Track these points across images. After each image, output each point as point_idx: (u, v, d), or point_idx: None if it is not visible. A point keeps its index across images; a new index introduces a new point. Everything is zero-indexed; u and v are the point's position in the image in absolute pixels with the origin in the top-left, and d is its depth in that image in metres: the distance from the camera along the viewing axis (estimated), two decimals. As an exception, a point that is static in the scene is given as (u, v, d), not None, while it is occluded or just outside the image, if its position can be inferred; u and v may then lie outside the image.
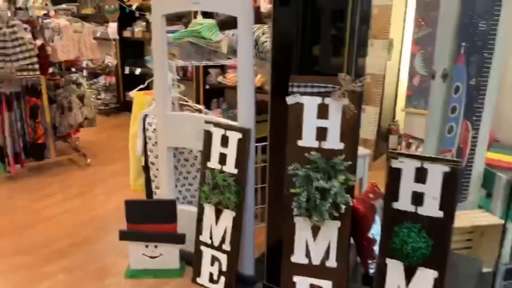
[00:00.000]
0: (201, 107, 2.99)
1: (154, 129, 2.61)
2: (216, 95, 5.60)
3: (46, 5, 6.73)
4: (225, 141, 2.26)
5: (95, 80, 6.38)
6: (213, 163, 2.30)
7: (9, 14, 3.70)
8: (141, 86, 3.26)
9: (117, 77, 6.24)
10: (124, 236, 2.48)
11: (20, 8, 4.13)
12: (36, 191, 3.66)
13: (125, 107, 6.25)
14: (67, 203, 3.46)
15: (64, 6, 6.74)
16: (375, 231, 2.11)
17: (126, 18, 5.97)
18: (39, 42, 3.68)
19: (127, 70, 6.12)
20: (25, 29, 3.61)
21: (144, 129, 2.65)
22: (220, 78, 5.36)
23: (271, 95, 2.07)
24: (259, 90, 5.26)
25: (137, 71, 6.05)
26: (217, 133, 2.29)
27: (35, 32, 3.69)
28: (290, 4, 1.91)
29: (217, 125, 2.29)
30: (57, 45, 3.75)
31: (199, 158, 2.70)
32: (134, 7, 5.80)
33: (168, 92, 2.52)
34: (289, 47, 1.94)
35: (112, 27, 5.93)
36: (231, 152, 2.25)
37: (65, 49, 3.77)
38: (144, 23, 6.01)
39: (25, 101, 3.78)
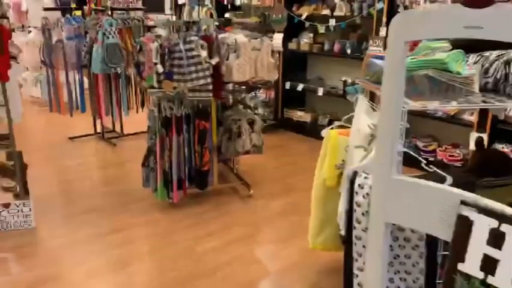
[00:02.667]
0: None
1: (367, 193, 1.92)
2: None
3: (211, 15, 6.58)
4: (497, 238, 1.46)
5: (253, 93, 6.02)
6: (471, 267, 1.51)
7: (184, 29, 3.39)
8: (337, 124, 2.62)
9: (277, 92, 5.78)
10: None
11: (192, 22, 3.82)
12: (198, 226, 3.28)
13: (283, 124, 5.77)
14: (231, 249, 2.98)
15: (227, 15, 6.57)
16: None
17: (292, 29, 5.47)
18: (214, 60, 3.28)
19: (287, 85, 5.63)
20: (201, 46, 3.24)
21: (352, 191, 1.98)
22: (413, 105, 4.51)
23: None
24: (452, 119, 4.28)
25: (299, 86, 5.51)
26: (482, 223, 1.49)
27: (211, 49, 3.30)
28: None
29: (485, 211, 1.50)
30: (233, 64, 3.31)
31: (424, 239, 1.95)
32: (304, 17, 5.26)
33: (396, 146, 1.80)
34: None
35: (278, 39, 5.45)
36: (508, 258, 1.43)
37: (240, 69, 3.32)
38: (311, 34, 5.43)
39: (194, 125, 3.43)
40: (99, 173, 4.46)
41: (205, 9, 6.58)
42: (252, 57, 3.36)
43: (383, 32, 4.41)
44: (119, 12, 5.63)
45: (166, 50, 3.17)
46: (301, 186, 4.01)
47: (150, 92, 3.49)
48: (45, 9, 5.13)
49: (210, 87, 3.30)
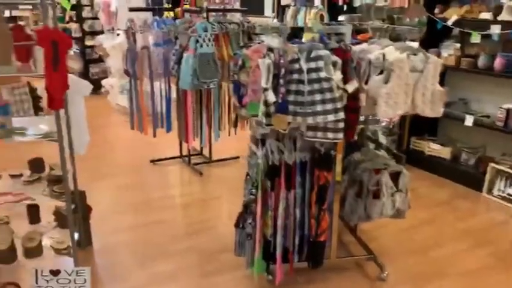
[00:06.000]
0: None
1: None
2: None
3: (322, 17, 5.49)
4: None
5: (370, 117, 4.82)
6: None
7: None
8: None
9: (403, 117, 4.52)
10: None
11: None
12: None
13: (409, 158, 4.48)
14: None
15: (341, 18, 5.44)
16: None
17: (431, 37, 4.20)
18: (351, 86, 2.20)
19: (419, 108, 4.34)
20: (333, 64, 2.17)
21: None
22: None
23: None
24: None
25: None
26: None
27: (347, 69, 2.22)
28: None
29: None
30: (380, 93, 2.19)
31: None
32: (451, 21, 3.97)
33: None
34: None
35: (411, 49, 4.22)
36: None
37: (391, 100, 2.19)
38: (458, 45, 4.11)
39: (313, 176, 2.37)
40: (181, 214, 3.58)
41: (314, 11, 5.53)
42: (410, 82, 2.22)
43: None
44: (214, 14, 4.79)
45: (283, 70, 2.14)
46: (456, 267, 2.79)
47: (253, 127, 2.50)
48: (131, 9, 4.39)
49: (341, 125, 2.22)
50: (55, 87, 2.05)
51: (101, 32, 6.53)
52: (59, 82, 2.06)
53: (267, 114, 2.19)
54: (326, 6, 5.36)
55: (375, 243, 2.95)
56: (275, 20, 6.09)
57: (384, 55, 2.25)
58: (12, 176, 2.55)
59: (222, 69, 3.80)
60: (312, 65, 2.16)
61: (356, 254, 2.86)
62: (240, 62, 2.54)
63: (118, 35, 5.59)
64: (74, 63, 2.51)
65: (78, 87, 2.44)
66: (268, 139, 2.44)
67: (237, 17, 5.34)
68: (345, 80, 2.20)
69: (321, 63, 2.15)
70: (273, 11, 6.43)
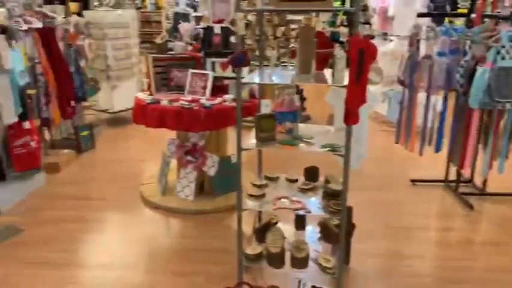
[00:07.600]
0: None
1: None
2: None
3: None
4: None
5: None
6: None
7: None
8: None
9: None
10: None
11: None
12: None
13: None
14: None
15: None
16: None
17: None
18: None
19: None
20: None
21: None
22: None
23: None
24: None
25: None
26: None
27: None
28: None
29: None
30: None
31: None
32: None
33: None
34: None
35: None
36: None
37: None
38: None
39: None
40: (444, 253, 3.07)
41: None
42: None
43: None
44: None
45: None
46: None
47: None
48: (420, 15, 4.04)
49: None
50: (353, 100, 1.90)
51: (372, 37, 6.41)
52: (359, 95, 1.91)
53: None
54: None
55: None
56: None
57: None
58: (288, 180, 2.58)
59: (523, 88, 3.10)
60: None
61: None
62: None
63: (390, 41, 5.35)
64: (376, 76, 2.34)
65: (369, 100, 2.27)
66: None
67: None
68: None
69: None
70: None
